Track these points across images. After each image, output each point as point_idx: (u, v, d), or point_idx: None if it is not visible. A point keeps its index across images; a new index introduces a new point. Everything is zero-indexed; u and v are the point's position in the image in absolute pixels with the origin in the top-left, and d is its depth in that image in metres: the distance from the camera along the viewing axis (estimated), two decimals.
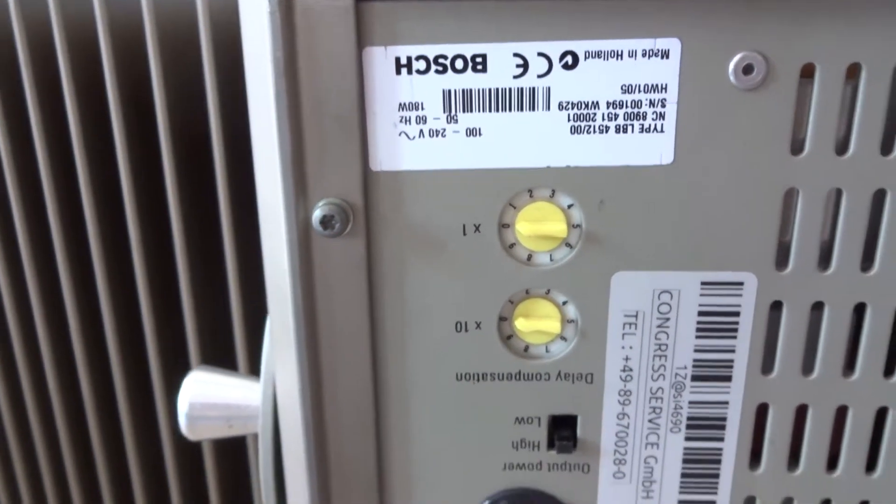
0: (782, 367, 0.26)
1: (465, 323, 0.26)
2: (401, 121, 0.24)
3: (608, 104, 0.24)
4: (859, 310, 0.26)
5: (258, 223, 0.26)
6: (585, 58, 0.24)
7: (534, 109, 0.24)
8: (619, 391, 0.27)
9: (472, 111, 0.24)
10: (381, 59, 0.24)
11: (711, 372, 0.26)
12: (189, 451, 0.46)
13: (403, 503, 0.29)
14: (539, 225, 0.25)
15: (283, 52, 0.23)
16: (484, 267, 0.26)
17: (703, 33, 0.23)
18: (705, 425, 0.27)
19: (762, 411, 0.27)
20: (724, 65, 0.23)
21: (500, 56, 0.24)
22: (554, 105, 0.24)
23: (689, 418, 0.27)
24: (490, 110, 0.24)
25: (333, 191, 0.25)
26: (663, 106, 0.24)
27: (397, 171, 0.25)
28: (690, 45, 0.23)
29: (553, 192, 0.25)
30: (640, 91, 0.24)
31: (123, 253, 0.42)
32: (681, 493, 0.28)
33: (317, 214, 0.25)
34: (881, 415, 0.27)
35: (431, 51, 0.24)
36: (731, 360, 0.26)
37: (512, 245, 0.26)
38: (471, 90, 0.24)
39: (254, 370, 0.42)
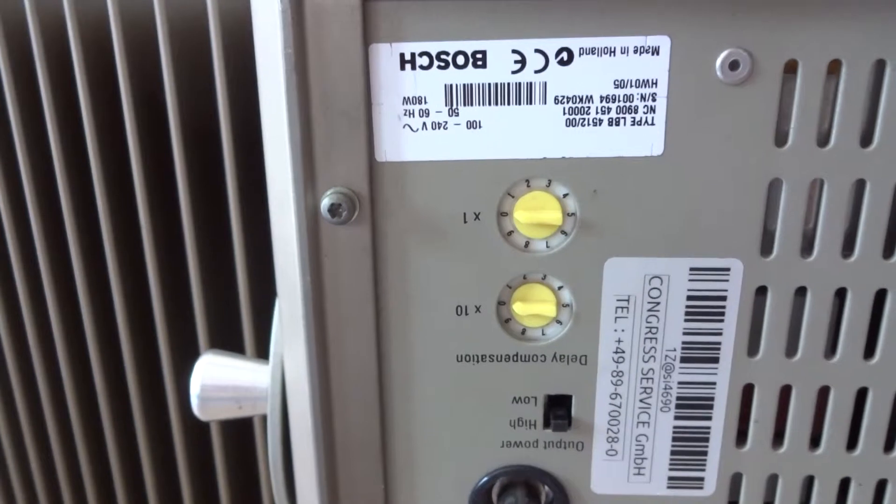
0: (767, 350, 0.27)
1: (466, 307, 0.28)
2: (405, 114, 0.26)
3: (601, 98, 0.25)
4: (840, 294, 0.27)
5: (265, 212, 0.27)
6: (580, 54, 0.25)
7: (531, 103, 0.25)
8: (611, 372, 0.28)
9: (472, 105, 0.25)
10: (386, 54, 0.25)
11: (699, 354, 0.28)
12: (198, 432, 0.47)
13: (406, 480, 0.30)
14: (536, 213, 0.26)
15: (293, 48, 0.25)
16: (483, 253, 0.27)
17: (692, 31, 0.24)
18: (694, 405, 0.28)
19: (748, 391, 0.28)
20: (712, 61, 0.25)
21: (499, 52, 0.25)
22: (550, 99, 0.25)
23: (678, 398, 0.28)
24: (489, 104, 0.25)
25: (341, 180, 0.26)
26: (654, 100, 0.25)
27: (401, 162, 0.26)
28: (679, 42, 0.24)
29: (549, 182, 0.26)
30: (631, 86, 0.25)
31: (135, 241, 0.43)
32: (670, 469, 0.29)
33: (325, 203, 0.26)
34: (861, 395, 0.28)
35: (434, 47, 0.25)
36: (719, 343, 0.27)
37: (510, 232, 0.27)
38: (471, 85, 0.25)
39: (261, 354, 0.43)
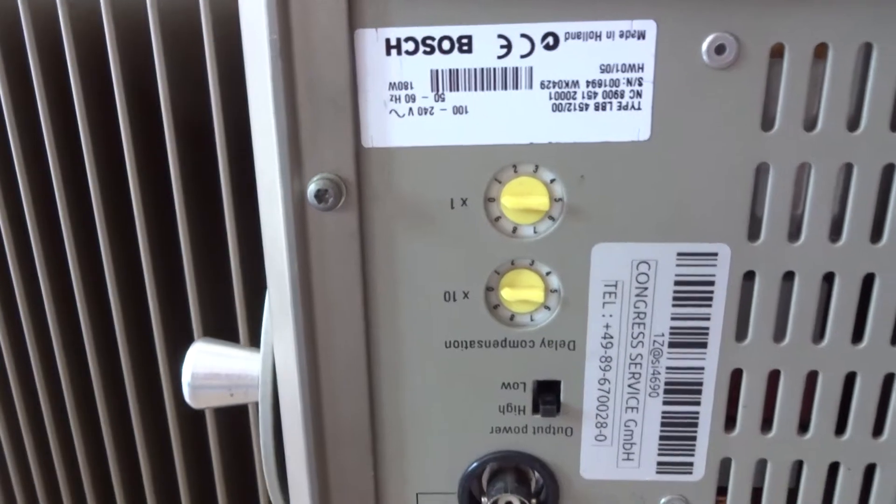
0: (755, 335, 0.27)
1: (454, 293, 0.28)
2: (391, 99, 0.26)
3: (588, 83, 0.25)
4: (828, 279, 0.27)
5: (257, 202, 0.28)
6: (566, 39, 0.25)
7: (517, 88, 0.25)
8: (600, 357, 0.28)
9: (458, 90, 0.25)
10: (371, 40, 0.25)
11: (688, 339, 0.28)
12: (193, 420, 0.47)
13: (396, 466, 0.30)
14: (523, 199, 0.26)
15: (278, 34, 0.25)
16: (471, 239, 0.27)
17: (678, 15, 0.24)
18: (682, 390, 0.28)
19: (736, 376, 0.28)
20: (698, 45, 0.24)
21: (485, 37, 0.25)
22: (536, 84, 0.25)
23: (666, 383, 0.28)
24: (476, 89, 0.25)
25: (327, 166, 0.26)
26: (640, 84, 0.25)
27: (388, 148, 0.26)
28: (665, 26, 0.24)
29: (536, 167, 0.26)
30: (618, 70, 0.25)
31: (129, 232, 0.44)
32: (659, 454, 0.29)
33: (311, 189, 0.26)
34: (850, 379, 0.28)
35: (420, 32, 0.25)
36: (707, 328, 0.27)
37: (497, 218, 0.27)
38: (457, 70, 0.25)
39: (254, 342, 0.43)
